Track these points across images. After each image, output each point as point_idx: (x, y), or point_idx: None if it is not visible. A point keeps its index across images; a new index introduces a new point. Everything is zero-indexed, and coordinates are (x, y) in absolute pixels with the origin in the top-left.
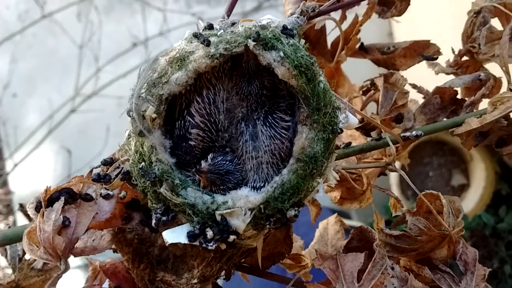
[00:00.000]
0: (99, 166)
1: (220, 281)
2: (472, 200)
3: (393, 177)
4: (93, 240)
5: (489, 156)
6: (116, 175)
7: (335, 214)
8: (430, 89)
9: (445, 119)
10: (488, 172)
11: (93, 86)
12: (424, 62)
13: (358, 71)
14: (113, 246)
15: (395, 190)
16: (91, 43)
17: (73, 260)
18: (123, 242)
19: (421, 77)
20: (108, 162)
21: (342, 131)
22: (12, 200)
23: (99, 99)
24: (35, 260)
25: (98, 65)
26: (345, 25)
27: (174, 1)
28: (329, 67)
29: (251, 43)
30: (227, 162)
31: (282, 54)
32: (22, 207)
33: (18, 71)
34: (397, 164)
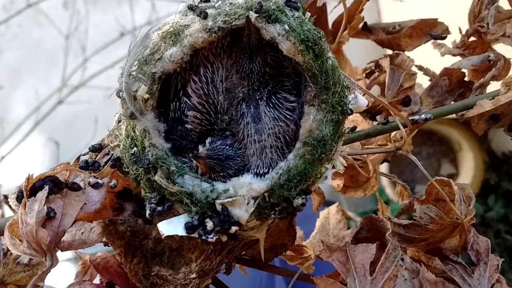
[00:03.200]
0: (87, 153)
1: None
2: None
3: (382, 166)
4: (82, 233)
5: (477, 146)
6: (106, 162)
7: (337, 203)
8: (435, 71)
9: (452, 102)
10: (477, 162)
11: (80, 77)
12: (428, 43)
13: (356, 53)
14: (104, 239)
15: (384, 179)
16: (78, 33)
17: (62, 253)
18: (114, 234)
19: (425, 59)
20: (96, 149)
21: (352, 112)
22: (0, 193)
23: (86, 90)
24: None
25: (85, 56)
26: (347, 5)
27: None
28: (331, 48)
29: (252, 15)
30: (227, 147)
31: (287, 27)
32: (6, 199)
33: (4, 62)
34: None
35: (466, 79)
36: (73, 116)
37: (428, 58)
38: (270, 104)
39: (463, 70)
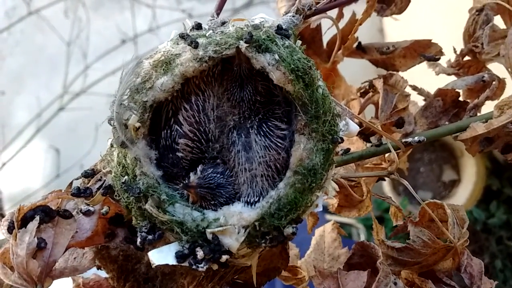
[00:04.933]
0: (80, 178)
1: None
2: (463, 195)
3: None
4: (75, 258)
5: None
6: (98, 188)
7: (332, 221)
8: (430, 90)
9: (447, 122)
10: (479, 168)
11: (81, 84)
12: (423, 63)
13: (353, 71)
14: (97, 263)
15: (386, 185)
16: (79, 40)
17: None
18: (107, 258)
19: (418, 78)
20: (89, 174)
21: (342, 140)
22: (1, 199)
23: (88, 97)
24: None
25: (87, 62)
26: (341, 24)
27: None
28: (325, 68)
29: (243, 45)
30: (218, 175)
31: (277, 57)
32: (1, 217)
33: (6, 68)
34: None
35: (461, 98)
36: (74, 123)
37: (424, 77)
38: (261, 132)
39: (457, 90)
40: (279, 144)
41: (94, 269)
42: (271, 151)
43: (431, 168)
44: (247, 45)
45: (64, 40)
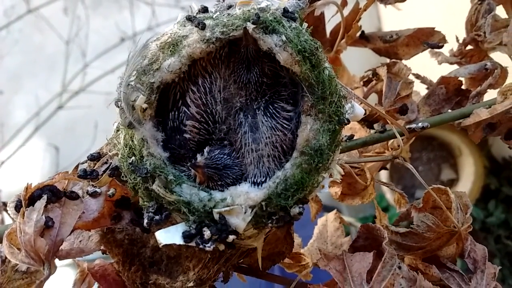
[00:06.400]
0: (86, 162)
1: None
2: None
3: (382, 171)
4: (80, 241)
5: (478, 151)
6: (104, 171)
7: (334, 210)
8: (433, 79)
9: (449, 110)
10: (477, 167)
11: (80, 82)
12: (425, 52)
13: (355, 61)
14: (102, 247)
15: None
16: (78, 39)
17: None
18: (112, 242)
19: (423, 66)
20: (95, 157)
21: (349, 121)
22: (0, 198)
23: (86, 96)
24: None
25: (86, 61)
26: (345, 13)
27: None
28: (328, 57)
29: (250, 26)
30: (225, 156)
31: (284, 38)
32: (5, 206)
33: (4, 67)
34: None
35: (463, 87)
36: (73, 121)
37: (427, 66)
38: (268, 114)
39: (460, 78)
40: (285, 125)
41: (99, 254)
42: (278, 132)
43: (430, 167)
44: (254, 26)
45: (63, 39)
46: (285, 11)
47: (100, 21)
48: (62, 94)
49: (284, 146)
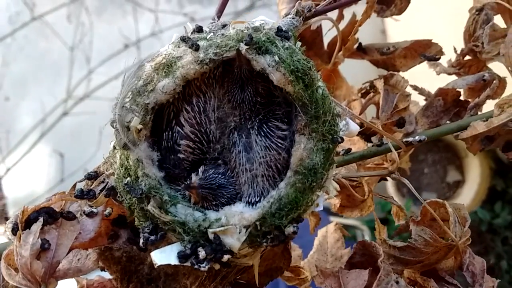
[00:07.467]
0: (83, 180)
1: None
2: (468, 196)
3: None
4: (78, 259)
5: (483, 152)
6: (101, 190)
7: (334, 222)
8: (430, 90)
9: (448, 121)
10: (483, 168)
11: (85, 89)
12: (424, 62)
13: (355, 72)
14: (101, 264)
15: (391, 187)
16: (82, 45)
17: None
18: (110, 260)
19: (420, 78)
20: (92, 176)
21: (342, 140)
22: (6, 204)
23: (91, 102)
24: None
25: (90, 67)
26: (342, 25)
27: (166, 1)
28: (326, 69)
29: (243, 47)
30: (220, 175)
31: (277, 58)
32: (6, 220)
33: (10, 74)
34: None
35: (462, 98)
36: (78, 127)
37: (426, 77)
38: (262, 133)
39: (458, 89)
40: (279, 144)
41: (98, 271)
42: (272, 151)
43: (435, 169)
44: (247, 47)
45: (67, 45)
46: (279, 30)
47: (104, 27)
48: (67, 100)
49: (279, 165)
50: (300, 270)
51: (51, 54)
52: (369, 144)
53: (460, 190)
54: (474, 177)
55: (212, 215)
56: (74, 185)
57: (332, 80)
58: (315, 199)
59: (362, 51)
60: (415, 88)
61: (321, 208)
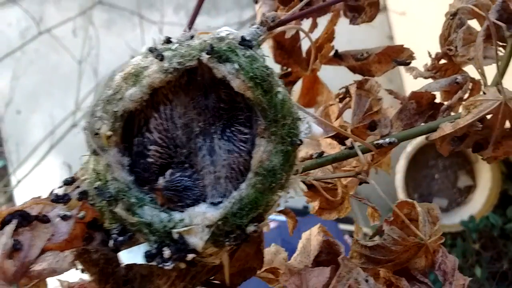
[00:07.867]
0: (62, 186)
1: None
2: (479, 201)
3: (398, 180)
4: (57, 261)
5: None
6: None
7: (319, 224)
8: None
9: (422, 124)
10: (494, 173)
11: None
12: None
13: (339, 78)
14: (81, 266)
15: (401, 193)
16: (90, 58)
17: None
18: (89, 262)
19: (413, 81)
20: (69, 182)
21: (302, 142)
22: None
23: None
24: None
25: (98, 80)
26: (317, 33)
27: (174, 13)
28: (306, 76)
29: (204, 56)
30: (186, 178)
31: (237, 66)
32: None
33: (21, 87)
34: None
35: (438, 100)
36: None
37: (419, 80)
38: (225, 137)
39: (434, 92)
40: (241, 147)
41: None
42: (234, 154)
43: (446, 174)
44: (209, 56)
45: (76, 58)
46: (243, 39)
47: (114, 40)
48: (75, 112)
49: (241, 167)
50: (279, 272)
51: (62, 67)
52: (343, 147)
53: (472, 195)
54: (485, 182)
55: (177, 216)
56: (52, 190)
57: (315, 86)
58: (276, 199)
59: (338, 58)
60: (390, 92)
61: (282, 208)
